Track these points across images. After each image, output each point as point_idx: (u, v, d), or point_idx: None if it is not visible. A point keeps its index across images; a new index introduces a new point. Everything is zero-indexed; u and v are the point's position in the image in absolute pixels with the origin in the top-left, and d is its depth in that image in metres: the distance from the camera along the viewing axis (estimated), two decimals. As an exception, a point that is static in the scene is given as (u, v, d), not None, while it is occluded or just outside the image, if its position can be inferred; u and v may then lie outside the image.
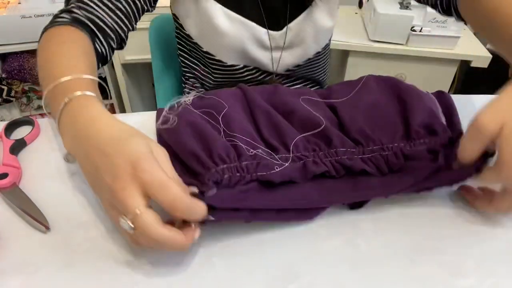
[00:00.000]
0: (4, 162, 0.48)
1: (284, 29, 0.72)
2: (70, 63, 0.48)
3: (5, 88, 1.59)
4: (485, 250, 0.40)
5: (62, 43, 0.53)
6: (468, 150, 0.41)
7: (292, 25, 0.72)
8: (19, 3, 1.43)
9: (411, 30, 1.39)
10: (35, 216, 0.42)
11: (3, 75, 1.54)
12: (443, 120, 0.51)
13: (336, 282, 0.37)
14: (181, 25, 0.77)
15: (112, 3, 0.60)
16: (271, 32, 0.72)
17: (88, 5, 0.58)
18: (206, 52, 0.74)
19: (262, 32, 0.71)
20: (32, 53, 1.51)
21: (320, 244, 0.41)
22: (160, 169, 0.34)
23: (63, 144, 0.42)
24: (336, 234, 0.42)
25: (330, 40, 0.81)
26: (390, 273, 0.38)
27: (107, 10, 0.60)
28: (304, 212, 0.42)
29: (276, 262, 0.39)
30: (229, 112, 0.49)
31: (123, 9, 0.61)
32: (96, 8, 0.59)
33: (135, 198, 0.33)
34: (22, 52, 1.49)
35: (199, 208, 0.35)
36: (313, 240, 0.41)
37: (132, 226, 0.33)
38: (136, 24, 0.66)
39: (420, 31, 1.39)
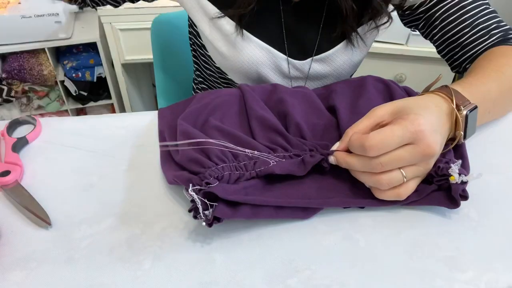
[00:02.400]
0: (6, 160, 0.48)
1: (309, 59, 0.67)
2: None
3: (5, 88, 1.59)
4: (483, 244, 0.41)
5: None
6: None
7: (319, 57, 0.67)
8: (19, 3, 1.44)
9: (411, 30, 1.39)
10: (36, 213, 0.42)
11: (3, 75, 1.54)
12: None
13: (335, 277, 0.38)
14: (197, 33, 0.72)
15: None
16: (291, 60, 0.67)
17: None
18: (218, 68, 0.70)
19: (281, 58, 0.66)
20: (32, 53, 1.51)
21: (319, 239, 0.41)
22: None
23: None
24: (335, 229, 0.42)
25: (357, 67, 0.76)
26: (388, 268, 0.38)
27: None
28: (302, 210, 0.43)
29: (276, 256, 0.39)
30: (224, 117, 0.50)
31: None
32: None
33: None
34: (22, 52, 1.50)
35: None
36: (312, 235, 0.41)
37: None
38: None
39: (419, 31, 1.39)
